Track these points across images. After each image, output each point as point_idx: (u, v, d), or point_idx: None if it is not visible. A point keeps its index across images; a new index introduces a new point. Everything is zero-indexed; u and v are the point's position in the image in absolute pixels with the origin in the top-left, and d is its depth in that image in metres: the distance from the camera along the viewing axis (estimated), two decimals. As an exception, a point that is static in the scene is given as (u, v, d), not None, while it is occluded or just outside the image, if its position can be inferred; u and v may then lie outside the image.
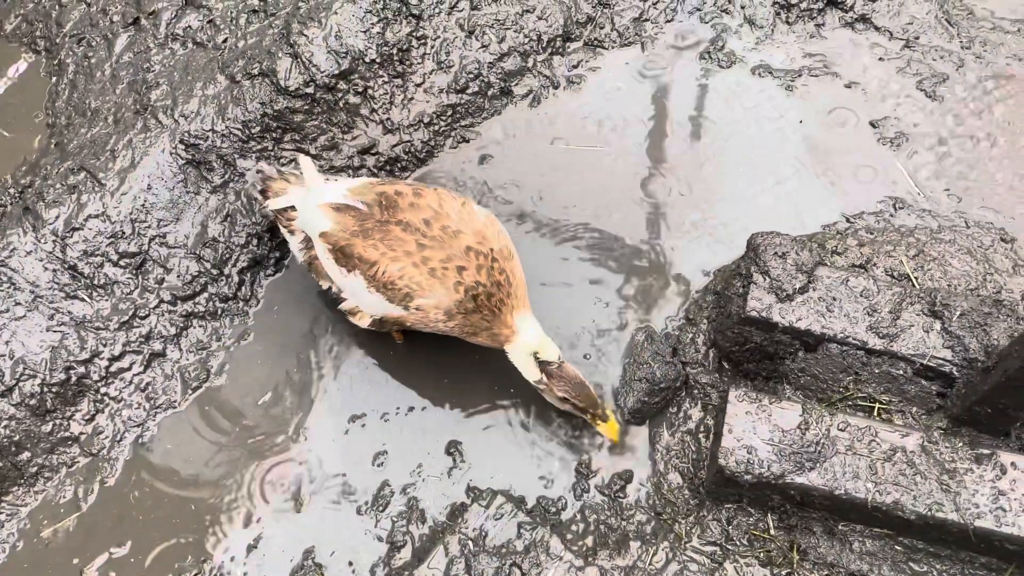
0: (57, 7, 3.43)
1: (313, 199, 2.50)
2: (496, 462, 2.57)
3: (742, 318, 2.32)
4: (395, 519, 2.51)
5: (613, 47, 3.31)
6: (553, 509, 2.48)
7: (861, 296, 2.32)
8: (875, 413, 2.29)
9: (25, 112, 3.31)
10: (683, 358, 2.57)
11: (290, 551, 2.50)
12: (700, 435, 2.45)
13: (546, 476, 2.53)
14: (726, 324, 2.42)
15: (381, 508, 2.54)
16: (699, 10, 3.34)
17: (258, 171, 2.70)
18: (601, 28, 3.32)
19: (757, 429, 2.17)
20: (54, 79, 3.33)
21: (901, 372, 2.26)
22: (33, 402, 2.64)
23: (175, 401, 2.77)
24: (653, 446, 2.52)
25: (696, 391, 2.53)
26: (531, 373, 2.35)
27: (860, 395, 2.31)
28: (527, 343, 2.32)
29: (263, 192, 2.67)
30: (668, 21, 3.33)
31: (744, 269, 2.40)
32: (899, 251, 2.63)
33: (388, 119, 3.12)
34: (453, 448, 2.61)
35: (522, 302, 2.35)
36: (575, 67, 3.29)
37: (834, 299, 2.31)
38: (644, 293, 2.82)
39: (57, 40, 3.38)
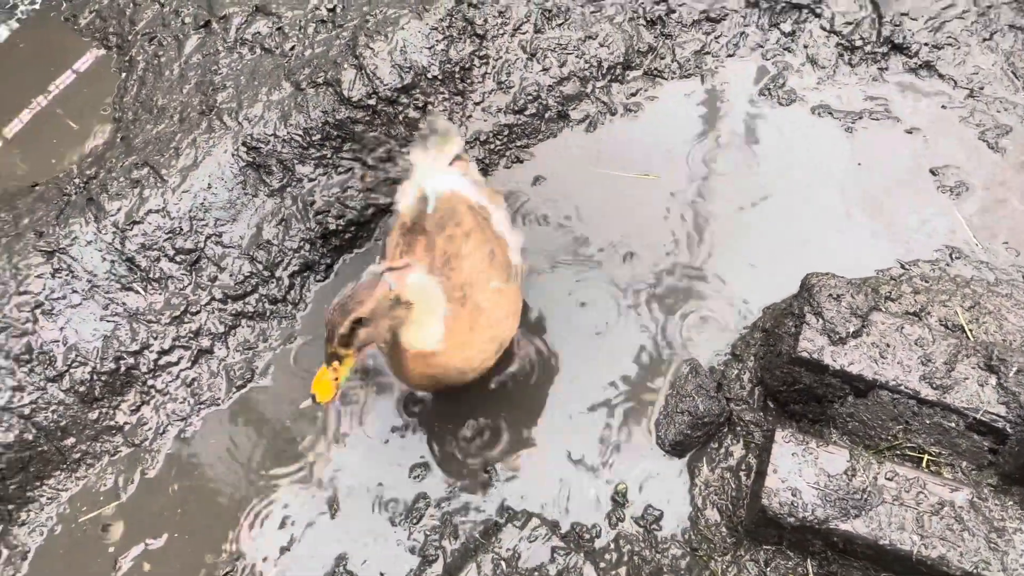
0: (132, 5, 3.52)
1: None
2: (532, 484, 2.56)
3: (792, 358, 2.30)
4: (428, 532, 2.51)
5: (672, 78, 3.32)
6: (587, 536, 2.47)
7: (915, 344, 2.29)
8: (924, 465, 2.25)
9: (93, 105, 3.40)
10: (727, 394, 2.56)
11: (322, 556, 2.51)
12: (741, 473, 2.43)
13: (581, 502, 2.52)
14: (775, 363, 2.40)
15: (415, 520, 2.54)
16: (761, 47, 3.34)
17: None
18: (662, 58, 3.33)
19: (803, 471, 2.15)
20: (123, 75, 3.41)
21: (953, 425, 2.22)
22: (82, 389, 2.69)
23: (219, 398, 2.81)
24: (692, 480, 2.50)
25: (739, 428, 2.51)
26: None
27: (909, 445, 2.27)
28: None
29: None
30: (729, 56, 3.34)
31: (797, 309, 2.38)
32: (954, 301, 2.60)
33: (445, 135, 3.15)
34: (490, 466, 2.61)
35: None
36: (633, 95, 3.30)
37: (888, 345, 2.29)
38: (690, 326, 2.80)
39: (129, 37, 3.47)
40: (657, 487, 2.51)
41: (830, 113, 3.18)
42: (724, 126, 3.21)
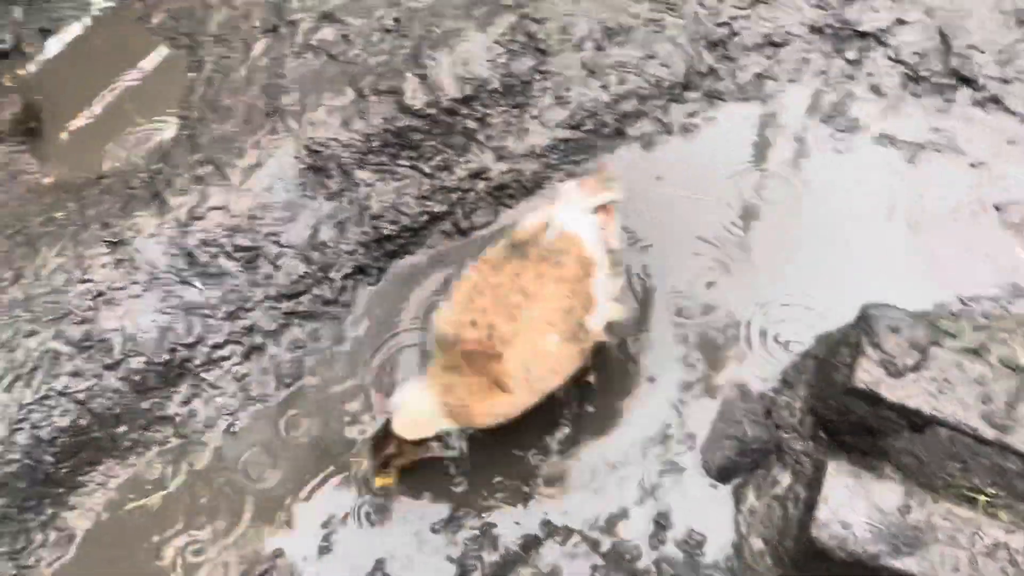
0: (203, 7, 3.61)
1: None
2: (574, 500, 2.55)
3: (848, 388, 2.26)
4: (468, 542, 2.51)
5: (732, 100, 3.30)
6: (628, 556, 2.45)
7: (976, 382, 2.24)
8: (980, 505, 2.20)
9: (161, 102, 3.48)
10: (776, 421, 2.53)
11: (362, 559, 2.52)
12: (788, 502, 2.39)
13: (623, 522, 2.50)
14: (828, 392, 2.37)
15: (455, 530, 2.55)
16: (824, 73, 3.31)
17: None
18: (721, 80, 3.32)
19: (855, 505, 2.11)
20: (191, 75, 3.49)
21: (1012, 466, 2.17)
22: (137, 379, 2.75)
23: (268, 395, 2.85)
24: (737, 507, 2.47)
25: (788, 456, 2.47)
26: None
27: (966, 485, 2.22)
28: None
29: None
30: (791, 81, 3.31)
31: (854, 339, 2.35)
32: (1015, 341, 2.53)
33: (502, 147, 3.18)
34: (531, 479, 2.60)
35: None
36: (691, 115, 3.29)
37: (947, 381, 2.24)
38: (738, 351, 2.77)
39: (199, 38, 3.56)
40: (701, 512, 2.48)
41: (892, 143, 3.14)
42: (782, 150, 3.18)
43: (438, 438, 2.53)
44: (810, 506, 2.17)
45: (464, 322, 2.31)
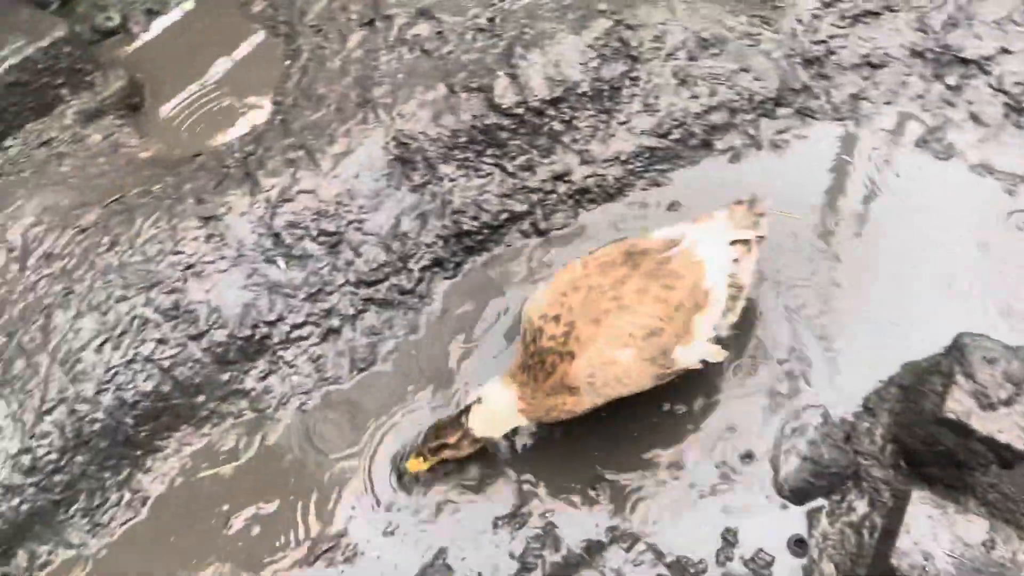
0: (303, -2, 3.71)
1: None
2: (640, 507, 2.52)
3: (937, 418, 2.20)
4: (530, 540, 2.51)
5: (825, 119, 3.25)
6: (693, 570, 2.41)
7: (1073, 422, 2.15)
8: (1070, 550, 2.11)
9: (257, 88, 3.58)
10: (856, 447, 2.46)
11: (423, 546, 2.54)
12: (864, 530, 2.33)
13: (690, 534, 2.47)
14: (914, 421, 2.30)
15: (518, 526, 2.54)
16: (921, 97, 3.24)
17: None
18: (816, 98, 3.27)
19: (938, 536, 2.04)
20: (287, 62, 3.59)
21: (1108, 512, 2.08)
22: (219, 351, 2.82)
23: (340, 377, 2.89)
24: (809, 530, 2.41)
25: (865, 484, 2.41)
26: None
27: (1057, 527, 2.14)
28: None
29: None
30: (887, 103, 3.25)
31: (946, 368, 2.28)
32: (1115, 384, 2.43)
33: (586, 151, 3.18)
34: (599, 483, 2.58)
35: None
36: (781, 132, 3.25)
37: (1042, 418, 2.16)
38: (819, 372, 2.71)
39: (297, 27, 3.65)
40: (771, 532, 2.43)
41: (991, 173, 3.05)
42: (874, 173, 3.12)
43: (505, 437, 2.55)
44: (890, 534, 2.11)
45: (549, 315, 2.31)
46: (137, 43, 3.78)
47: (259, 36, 3.76)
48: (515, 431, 2.61)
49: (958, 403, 2.18)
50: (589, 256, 2.48)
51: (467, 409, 2.43)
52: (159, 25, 3.84)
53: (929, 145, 3.15)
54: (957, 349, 2.27)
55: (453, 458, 2.55)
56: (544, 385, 2.34)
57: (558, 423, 2.51)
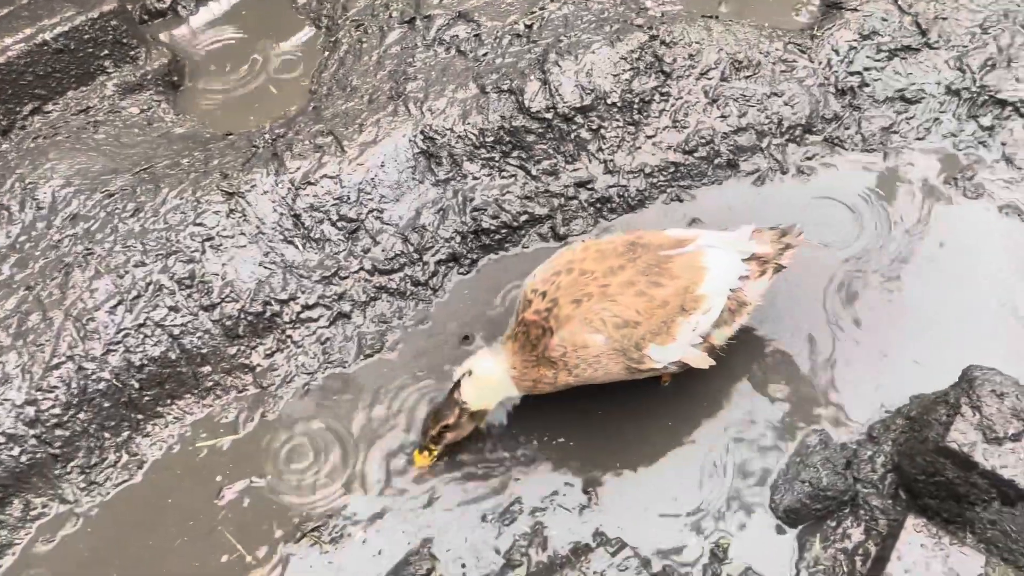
0: (347, -7, 3.79)
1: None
2: (631, 515, 2.49)
3: (939, 447, 2.15)
4: (517, 537, 2.48)
5: (854, 149, 3.23)
6: (678, 582, 2.37)
7: (1081, 464, 2.09)
8: (1069, 595, 2.04)
9: (293, 76, 3.66)
10: (856, 474, 2.41)
11: (410, 534, 2.52)
12: (857, 557, 2.27)
13: (679, 546, 2.42)
14: (917, 449, 2.25)
15: (506, 523, 2.52)
16: (954, 136, 3.21)
17: None
18: (846, 128, 3.26)
19: (930, 566, 1.99)
20: (326, 53, 3.66)
21: (1112, 560, 2.01)
22: (228, 323, 2.85)
23: (346, 362, 2.90)
24: (801, 553, 2.36)
25: (862, 511, 2.35)
26: None
27: (1056, 570, 2.07)
28: None
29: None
30: (918, 139, 3.22)
31: (953, 398, 2.23)
32: None
33: (611, 160, 3.19)
34: (591, 488, 2.56)
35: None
36: (809, 159, 3.24)
37: (1049, 458, 2.10)
38: (825, 399, 2.67)
39: (339, 21, 3.73)
40: (762, 551, 2.38)
41: (1018, 215, 3.00)
42: (900, 207, 3.08)
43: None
44: (882, 561, 2.06)
45: (539, 290, 2.37)
46: (184, 25, 3.89)
47: (301, 27, 3.85)
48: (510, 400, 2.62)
49: (962, 434, 2.12)
50: (593, 240, 2.52)
51: (458, 384, 2.44)
52: (206, 11, 3.94)
53: (958, 183, 3.11)
54: (966, 381, 2.22)
55: (456, 439, 2.55)
56: (531, 355, 2.38)
57: (546, 394, 2.52)
